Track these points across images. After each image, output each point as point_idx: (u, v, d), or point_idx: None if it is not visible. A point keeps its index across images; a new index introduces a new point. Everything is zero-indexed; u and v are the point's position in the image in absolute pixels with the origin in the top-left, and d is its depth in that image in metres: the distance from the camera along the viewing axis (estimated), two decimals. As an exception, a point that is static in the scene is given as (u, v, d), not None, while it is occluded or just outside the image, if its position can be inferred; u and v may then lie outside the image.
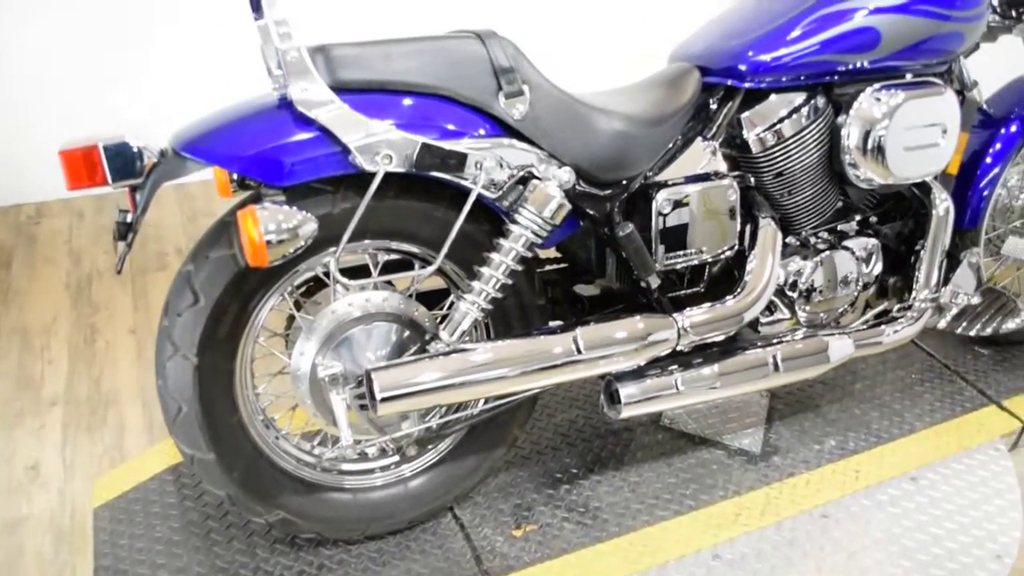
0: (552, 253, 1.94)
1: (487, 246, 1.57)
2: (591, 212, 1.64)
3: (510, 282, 1.56)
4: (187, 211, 3.40)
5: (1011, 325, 2.04)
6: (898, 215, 2.04)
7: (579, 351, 1.54)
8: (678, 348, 1.68)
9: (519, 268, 1.56)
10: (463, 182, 1.49)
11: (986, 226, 2.37)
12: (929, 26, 1.77)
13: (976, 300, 1.97)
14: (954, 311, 1.98)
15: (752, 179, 1.83)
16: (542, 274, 1.91)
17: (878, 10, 1.72)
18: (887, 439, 2.14)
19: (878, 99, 1.76)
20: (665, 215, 1.67)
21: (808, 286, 1.87)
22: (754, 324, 1.88)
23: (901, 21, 1.74)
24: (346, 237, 1.46)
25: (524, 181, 1.54)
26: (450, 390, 1.47)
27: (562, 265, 1.92)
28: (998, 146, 2.24)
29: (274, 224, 1.34)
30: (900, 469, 2.06)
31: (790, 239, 1.91)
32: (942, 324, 2.00)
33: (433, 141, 1.43)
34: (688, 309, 1.69)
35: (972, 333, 2.01)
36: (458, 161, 1.46)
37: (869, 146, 1.77)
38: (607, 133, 1.57)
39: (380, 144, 1.40)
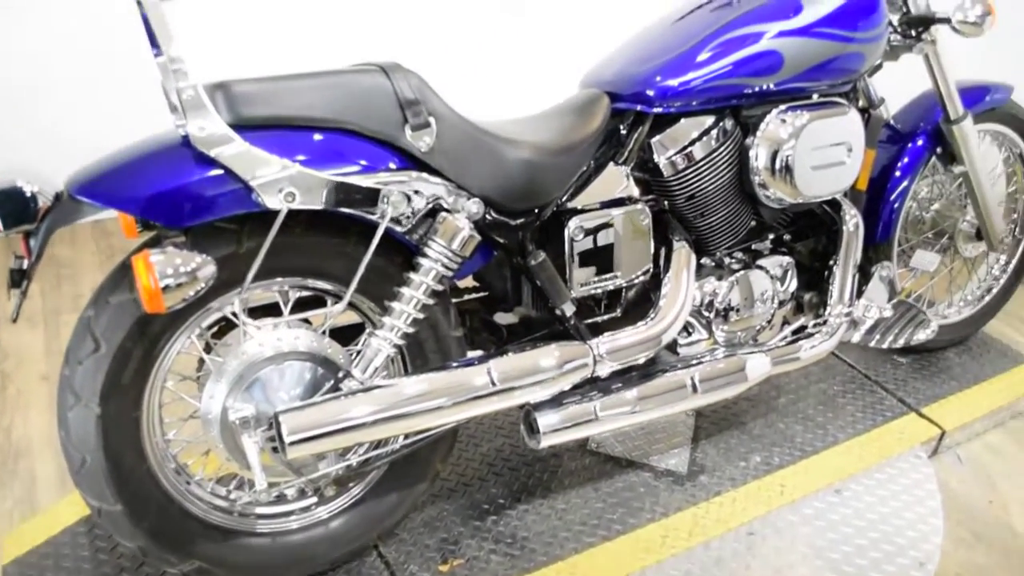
0: (472, 282, 1.92)
1: (399, 280, 1.55)
2: (503, 242, 1.63)
3: (422, 316, 1.55)
4: (104, 249, 3.31)
5: (921, 336, 2.09)
6: (811, 232, 2.08)
7: (493, 383, 1.53)
8: (596, 374, 1.68)
9: (431, 302, 1.54)
10: (370, 217, 1.47)
11: (899, 238, 2.42)
12: (831, 48, 1.80)
13: (888, 313, 2.01)
14: (868, 324, 2.01)
15: (665, 202, 1.85)
16: (461, 303, 1.90)
17: (780, 34, 1.75)
18: (811, 452, 2.17)
19: (783, 120, 1.79)
20: (578, 242, 1.67)
21: (724, 306, 1.89)
22: (673, 346, 1.89)
23: (803, 44, 1.77)
24: (250, 277, 1.42)
25: (433, 214, 1.52)
26: (361, 429, 1.45)
27: (481, 294, 1.91)
28: (906, 160, 2.30)
29: (170, 268, 1.30)
30: (824, 482, 2.08)
31: (705, 260, 1.92)
32: (856, 338, 2.04)
33: (337, 176, 1.41)
34: (604, 335, 1.69)
35: (884, 346, 2.05)
36: (364, 196, 1.44)
37: (777, 167, 1.80)
38: (515, 163, 1.57)
39: (282, 181, 1.38)
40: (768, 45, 1.75)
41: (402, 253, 1.57)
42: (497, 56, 3.63)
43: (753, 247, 1.98)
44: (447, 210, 1.52)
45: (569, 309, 1.68)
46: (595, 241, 1.69)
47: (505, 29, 3.70)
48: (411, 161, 1.50)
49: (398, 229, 1.50)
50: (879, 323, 2.05)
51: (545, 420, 1.64)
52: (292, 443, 1.40)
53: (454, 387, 1.52)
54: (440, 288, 1.54)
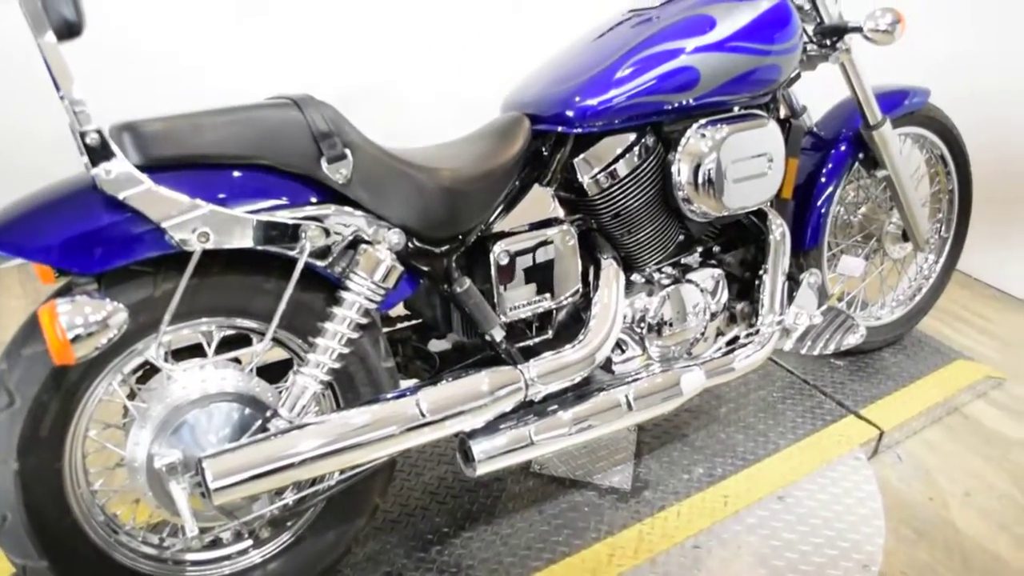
0: (405, 310, 1.91)
1: (324, 314, 1.53)
2: (428, 270, 1.61)
3: (348, 350, 1.52)
4: (31, 292, 3.22)
5: (851, 341, 2.12)
6: (739, 243, 2.10)
7: (423, 415, 1.51)
8: (529, 398, 1.67)
9: (357, 335, 1.52)
10: (289, 252, 1.44)
11: (829, 243, 2.46)
12: (746, 61, 1.82)
13: (818, 320, 2.03)
14: (799, 332, 2.03)
15: (592, 221, 1.85)
16: (393, 332, 1.88)
17: (695, 50, 1.77)
18: (753, 460, 2.18)
19: (703, 135, 1.81)
20: (504, 266, 1.67)
21: (656, 321, 1.90)
22: (608, 364, 1.89)
23: (718, 59, 1.79)
24: (166, 320, 1.39)
25: (354, 246, 1.50)
26: (289, 470, 1.42)
27: (413, 322, 1.89)
28: (830, 167, 2.34)
29: (79, 318, 1.26)
30: (767, 490, 2.09)
31: (635, 277, 1.93)
32: (788, 346, 2.06)
33: (253, 214, 1.39)
34: (534, 359, 1.68)
35: (815, 353, 2.08)
36: (281, 231, 1.42)
37: (699, 181, 1.81)
38: (435, 191, 1.56)
39: (195, 221, 1.35)
40: (684, 61, 1.76)
41: (326, 287, 1.55)
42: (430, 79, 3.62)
43: (683, 261, 1.99)
44: (368, 242, 1.50)
45: (499, 334, 1.67)
46: (521, 264, 1.69)
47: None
48: (329, 194, 1.48)
49: (319, 264, 1.48)
50: (810, 330, 2.08)
51: (479, 448, 1.62)
52: (217, 489, 1.37)
53: (383, 421, 1.50)
54: (365, 321, 1.52)
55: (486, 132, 1.77)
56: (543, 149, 1.80)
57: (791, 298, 2.07)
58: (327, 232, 1.46)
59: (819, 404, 2.41)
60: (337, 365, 1.52)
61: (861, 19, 2.00)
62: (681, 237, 1.98)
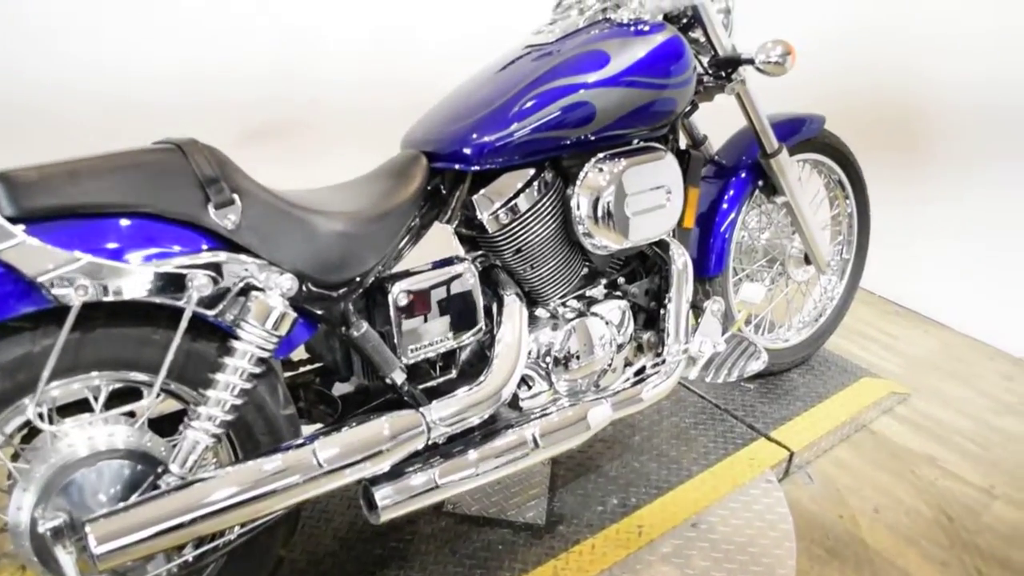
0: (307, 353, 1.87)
1: (216, 365, 1.48)
2: (325, 314, 1.58)
3: (242, 401, 1.48)
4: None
5: (754, 367, 2.15)
6: (643, 273, 2.12)
7: (321, 465, 1.47)
8: (433, 441, 1.64)
9: (250, 385, 1.48)
10: (176, 302, 1.40)
11: (735, 268, 2.50)
12: (641, 95, 1.84)
13: (722, 347, 2.06)
14: (704, 360, 2.05)
15: (494, 257, 1.84)
16: (295, 376, 1.84)
17: (590, 85, 1.78)
18: (667, 488, 2.19)
19: (601, 169, 1.82)
20: (403, 307, 1.64)
21: (562, 356, 1.89)
22: (515, 401, 1.87)
23: (613, 94, 1.80)
24: (44, 377, 1.33)
25: (245, 293, 1.46)
26: (179, 529, 1.36)
27: (315, 365, 1.85)
28: (731, 194, 2.38)
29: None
30: (681, 517, 2.10)
31: (540, 311, 1.92)
32: (694, 374, 2.08)
33: (135, 264, 1.34)
34: (437, 401, 1.66)
35: (720, 380, 2.10)
36: (166, 281, 1.37)
37: (599, 215, 1.82)
38: (328, 234, 1.53)
39: (73, 274, 1.30)
40: (580, 97, 1.77)
41: (218, 336, 1.50)
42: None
43: (587, 293, 2.00)
44: (259, 288, 1.46)
45: (399, 377, 1.65)
46: (421, 304, 1.67)
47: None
48: (217, 240, 1.44)
49: (208, 313, 1.43)
50: (714, 358, 2.10)
51: (382, 494, 1.59)
52: (102, 554, 1.31)
53: (280, 473, 1.45)
54: (259, 370, 1.48)
55: (383, 172, 1.75)
56: (442, 187, 1.79)
57: (696, 326, 2.09)
58: (216, 280, 1.42)
59: (730, 428, 2.44)
60: (230, 417, 1.47)
61: (754, 51, 2.05)
62: (585, 270, 1.99)
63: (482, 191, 1.78)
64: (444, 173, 1.79)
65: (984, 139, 3.13)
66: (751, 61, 2.04)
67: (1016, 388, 2.88)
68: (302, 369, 1.87)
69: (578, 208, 1.82)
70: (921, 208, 3.33)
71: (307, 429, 1.71)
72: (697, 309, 2.15)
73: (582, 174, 1.82)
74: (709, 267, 2.36)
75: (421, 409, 1.63)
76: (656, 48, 1.87)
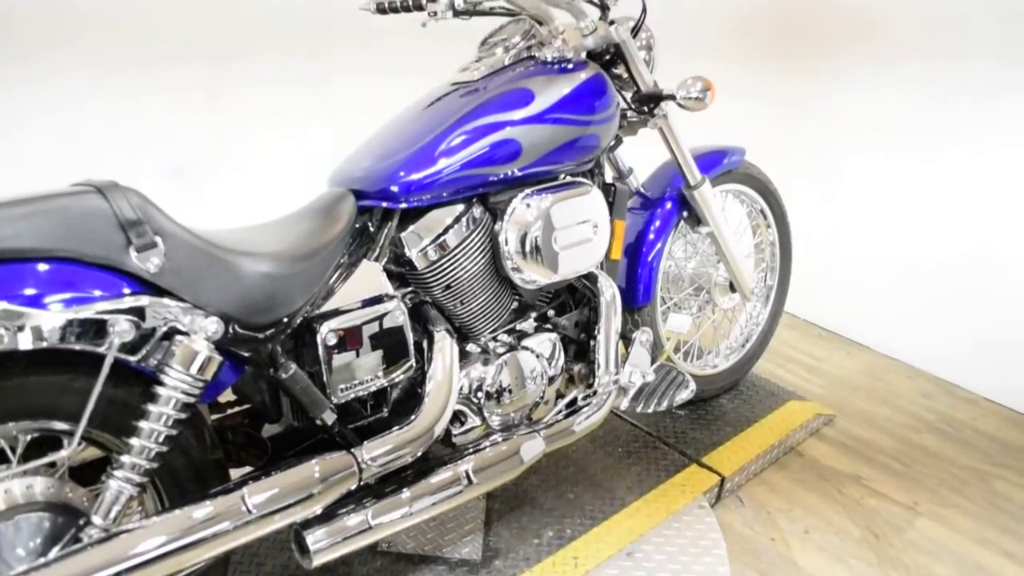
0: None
1: (140, 412, 1.45)
2: (251, 356, 1.56)
3: (166, 448, 1.45)
4: None
5: (683, 396, 2.18)
6: (573, 305, 2.14)
7: (249, 511, 1.45)
8: (364, 482, 1.63)
9: (175, 432, 1.45)
10: (97, 348, 1.36)
11: (663, 298, 2.55)
12: (566, 132, 1.88)
13: (651, 377, 2.09)
14: (634, 390, 2.08)
15: (423, 294, 1.84)
16: (224, 419, 1.80)
17: (516, 122, 1.81)
18: (601, 518, 2.20)
19: (528, 205, 1.84)
20: (332, 347, 1.63)
21: (494, 390, 1.90)
22: (447, 437, 1.87)
23: (539, 130, 1.83)
24: None
25: (169, 337, 1.44)
26: (102, 585, 1.32)
27: (244, 407, 1.82)
28: (657, 225, 2.43)
29: None
30: (616, 547, 2.11)
31: (471, 346, 1.93)
32: (624, 404, 2.10)
33: (51, 310, 1.30)
34: (368, 441, 1.65)
35: (650, 410, 2.13)
36: (85, 328, 1.34)
37: (527, 250, 1.84)
38: (253, 276, 1.51)
39: None
40: (506, 134, 1.79)
41: (142, 381, 1.47)
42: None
43: (518, 327, 2.01)
44: (183, 332, 1.44)
45: (330, 418, 1.63)
46: (350, 343, 1.66)
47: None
48: (140, 284, 1.41)
49: (131, 358, 1.40)
50: (644, 388, 2.13)
51: (314, 537, 1.57)
52: (16, 617, 1.26)
53: (207, 522, 1.42)
54: (184, 416, 1.45)
55: (310, 210, 1.74)
56: (370, 224, 1.79)
57: (626, 357, 2.12)
58: (138, 325, 1.39)
59: (663, 455, 2.47)
60: (154, 464, 1.44)
61: (675, 87, 2.10)
62: (515, 304, 2.00)
63: (411, 228, 1.78)
64: (372, 211, 1.79)
65: (897, 156, 3.26)
66: (672, 97, 2.09)
67: (935, 406, 2.98)
68: (230, 411, 1.84)
69: (506, 244, 1.84)
70: (842, 233, 3.44)
71: (236, 473, 1.69)
72: (626, 340, 2.18)
73: (509, 210, 1.84)
74: (637, 297, 2.40)
75: (352, 450, 1.62)
76: (580, 85, 1.91)
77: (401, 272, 1.84)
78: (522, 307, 2.04)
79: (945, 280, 3.14)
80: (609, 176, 2.37)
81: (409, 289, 1.86)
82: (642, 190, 2.50)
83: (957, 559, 2.22)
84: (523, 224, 1.84)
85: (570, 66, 1.94)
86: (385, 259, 1.79)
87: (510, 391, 1.93)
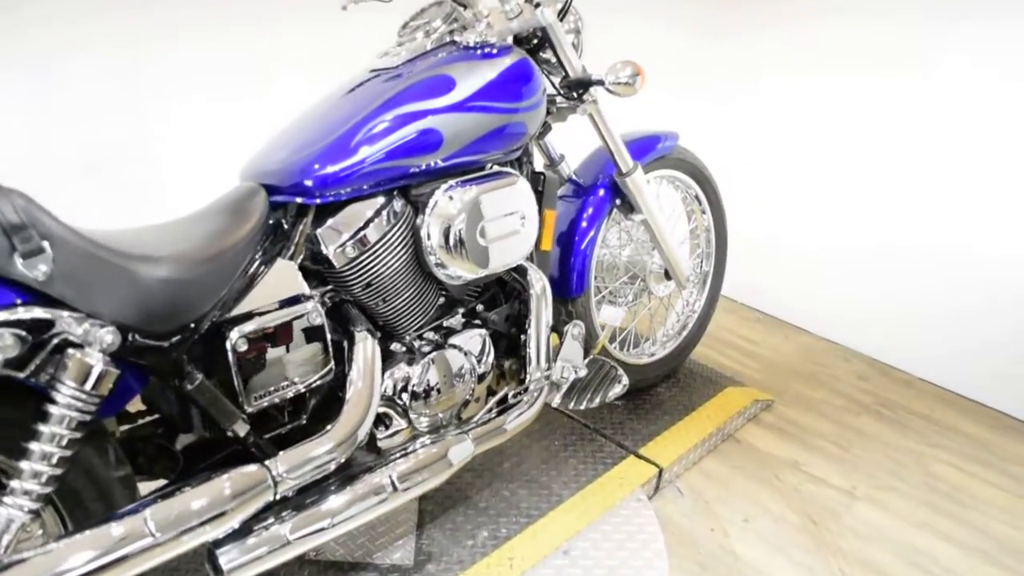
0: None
1: (32, 432, 1.34)
2: (155, 367, 1.46)
3: (63, 470, 1.34)
4: None
5: (615, 391, 2.13)
6: (503, 299, 2.07)
7: (154, 535, 1.36)
8: (282, 495, 1.54)
9: (70, 452, 1.35)
10: None
11: (598, 287, 2.49)
12: (490, 120, 1.80)
13: (584, 372, 2.03)
14: (567, 386, 2.02)
15: (343, 293, 1.76)
16: (135, 429, 1.70)
17: (436, 111, 1.73)
18: (537, 516, 2.14)
19: (451, 197, 1.76)
20: (243, 353, 1.54)
21: (420, 391, 1.83)
22: (372, 441, 1.79)
23: (460, 119, 1.75)
24: None
25: (61, 349, 1.33)
26: (-9, 622, 1.22)
27: (156, 416, 1.72)
28: (590, 211, 2.37)
29: None
30: (552, 545, 2.06)
31: (395, 346, 1.85)
32: (556, 401, 2.05)
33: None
34: (283, 452, 1.56)
35: (582, 407, 2.08)
36: None
37: (451, 244, 1.76)
38: (152, 281, 1.41)
39: None
40: (425, 124, 1.71)
41: (34, 398, 1.36)
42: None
43: (445, 324, 1.94)
44: (77, 344, 1.33)
45: (242, 429, 1.54)
46: (263, 349, 1.57)
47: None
48: (27, 293, 1.30)
49: (19, 374, 1.30)
50: (576, 383, 2.07)
51: (228, 557, 1.48)
52: None
53: (113, 545, 1.33)
54: (79, 435, 1.35)
55: (218, 207, 1.63)
56: (284, 221, 1.69)
57: (558, 351, 2.06)
58: (24, 338, 1.28)
59: (600, 448, 2.42)
60: (50, 488, 1.33)
61: (604, 72, 2.04)
62: (441, 300, 1.93)
63: (327, 223, 1.69)
64: (287, 206, 1.69)
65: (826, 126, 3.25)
66: (600, 82, 2.02)
67: (871, 388, 2.98)
68: (141, 421, 1.73)
69: (428, 238, 1.76)
70: (778, 214, 3.43)
71: (149, 486, 1.59)
72: (559, 332, 2.12)
73: (431, 202, 1.76)
74: (571, 288, 2.34)
75: (267, 462, 1.53)
76: (504, 71, 1.83)
77: (319, 270, 1.75)
78: (449, 303, 1.96)
79: (880, 260, 3.14)
80: (541, 164, 2.31)
81: (328, 288, 1.77)
82: (574, 177, 2.44)
83: (894, 543, 2.22)
84: (446, 217, 1.76)
85: (494, 51, 1.86)
86: (301, 257, 1.70)
87: (437, 391, 1.85)
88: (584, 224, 2.36)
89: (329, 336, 1.66)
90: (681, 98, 3.46)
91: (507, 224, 1.85)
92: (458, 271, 1.80)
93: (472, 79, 1.78)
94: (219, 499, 1.44)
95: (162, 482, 1.64)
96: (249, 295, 1.61)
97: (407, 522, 2.10)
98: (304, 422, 1.69)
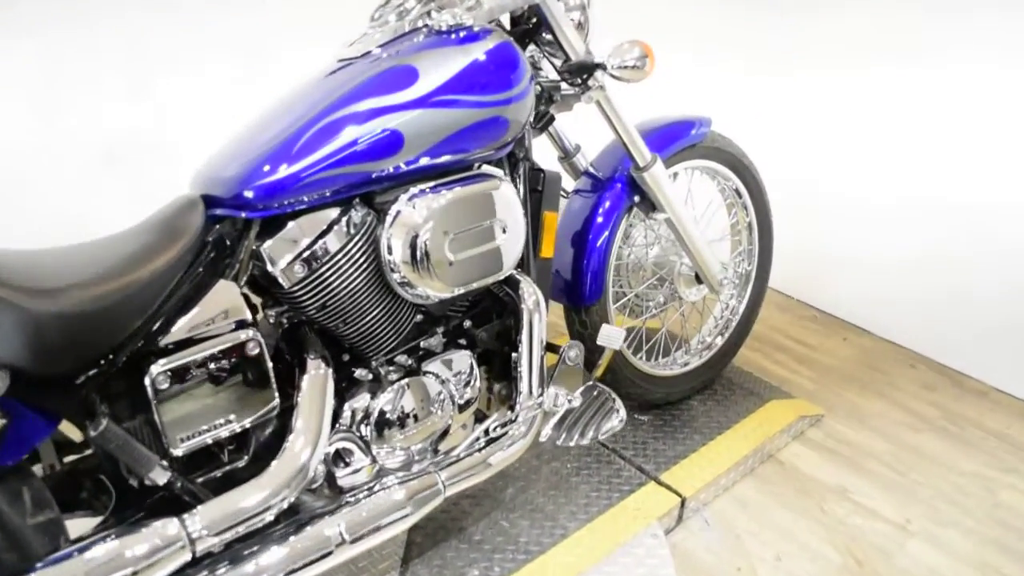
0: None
1: None
2: (62, 408, 1.29)
3: None
4: None
5: (611, 425, 1.87)
6: (496, 313, 1.84)
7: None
8: (206, 551, 1.36)
9: None
10: None
11: (623, 291, 2.25)
12: (459, 116, 1.57)
13: (578, 402, 1.79)
14: (558, 416, 1.79)
15: (295, 315, 1.56)
16: (77, 461, 1.54)
17: (393, 108, 1.51)
18: (537, 552, 1.93)
19: (414, 205, 1.54)
20: (166, 390, 1.36)
21: (383, 424, 1.62)
22: (331, 479, 1.60)
23: (422, 117, 1.53)
24: None
25: None
26: None
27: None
28: (607, 207, 2.12)
29: None
30: (550, 588, 1.85)
31: (361, 372, 1.65)
32: (546, 433, 1.80)
33: None
34: (203, 505, 1.38)
35: (572, 443, 1.83)
36: None
37: (417, 258, 1.55)
38: (45, 317, 1.23)
39: None
40: (381, 123, 1.49)
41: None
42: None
43: (423, 344, 1.72)
44: None
45: (161, 477, 1.36)
46: (193, 383, 1.39)
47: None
48: None
49: None
50: (568, 414, 1.83)
51: (138, 626, 1.31)
52: None
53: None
54: None
55: (148, 224, 1.45)
56: (226, 237, 1.50)
57: (552, 375, 1.82)
58: None
59: (617, 472, 2.18)
60: None
61: (606, 55, 1.78)
62: (419, 318, 1.71)
63: (274, 238, 1.49)
64: (233, 219, 1.50)
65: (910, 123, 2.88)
66: (603, 66, 1.77)
67: (938, 399, 2.65)
68: (88, 452, 1.58)
69: (389, 252, 1.54)
70: (838, 200, 3.07)
71: (87, 524, 1.45)
72: (552, 351, 1.87)
73: (392, 212, 1.54)
74: (584, 293, 2.10)
75: (185, 516, 1.35)
76: (478, 59, 1.60)
77: (266, 291, 1.55)
78: (429, 320, 1.74)
79: (956, 253, 2.77)
80: (555, 156, 2.09)
81: (283, 309, 1.58)
82: (591, 170, 2.19)
83: (950, 592, 1.93)
84: (409, 228, 1.54)
85: (470, 35, 1.62)
86: (245, 277, 1.51)
87: (404, 424, 1.64)
88: (600, 221, 2.11)
89: (271, 365, 1.46)
90: (744, 77, 3.14)
91: (482, 235, 1.62)
92: (424, 290, 1.58)
93: (439, 69, 1.55)
94: (129, 559, 1.27)
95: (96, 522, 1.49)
96: (180, 322, 1.42)
97: (392, 556, 1.90)
98: (244, 463, 1.51)
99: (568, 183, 2.19)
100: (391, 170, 1.53)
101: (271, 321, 1.61)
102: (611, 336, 1.85)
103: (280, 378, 1.53)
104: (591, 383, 1.88)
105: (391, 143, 1.51)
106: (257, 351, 1.44)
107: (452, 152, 1.59)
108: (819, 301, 3.16)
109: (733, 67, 3.15)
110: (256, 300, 1.58)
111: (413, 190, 1.56)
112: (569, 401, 1.77)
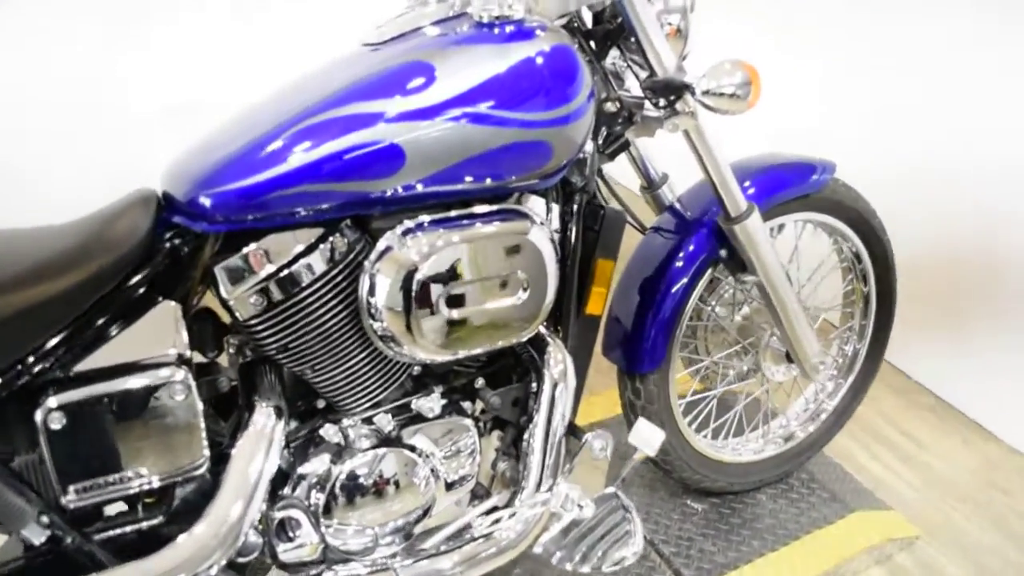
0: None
1: None
2: None
3: None
4: None
5: (620, 555, 1.45)
6: (517, 375, 1.50)
7: None
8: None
9: None
10: None
11: (697, 356, 1.87)
12: (482, 136, 1.23)
13: (589, 512, 1.42)
14: (564, 522, 1.43)
15: (258, 350, 1.28)
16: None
17: (397, 118, 1.18)
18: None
19: (408, 242, 1.22)
20: (60, 431, 1.09)
21: (338, 499, 1.32)
22: (272, 552, 1.30)
23: (431, 131, 1.19)
24: None
25: None
26: None
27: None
28: (686, 253, 1.75)
29: None
30: None
31: (328, 429, 1.34)
32: (542, 544, 1.44)
33: None
34: (100, 574, 1.11)
35: (568, 567, 1.44)
36: None
37: (405, 309, 1.23)
38: None
39: None
40: (375, 133, 1.17)
41: None
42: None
43: (415, 404, 1.40)
44: None
45: (37, 535, 1.10)
46: (94, 427, 1.12)
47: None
48: None
49: None
50: (574, 525, 1.46)
51: None
52: None
53: None
54: None
55: (89, 219, 1.18)
56: (181, 247, 1.22)
57: (570, 461, 1.47)
58: None
59: (648, 572, 1.81)
60: None
61: (699, 75, 1.40)
62: (416, 370, 1.40)
63: (233, 257, 1.20)
64: (184, 229, 1.21)
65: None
66: (690, 88, 1.39)
67: (1073, 543, 2.15)
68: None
69: (371, 294, 1.22)
70: (978, 276, 2.56)
71: None
72: (574, 436, 1.50)
73: (380, 246, 1.22)
74: (642, 359, 1.73)
75: None
76: (519, 65, 1.25)
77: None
78: (428, 374, 1.42)
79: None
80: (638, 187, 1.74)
81: (238, 341, 1.30)
82: (677, 206, 1.81)
83: None
84: (399, 268, 1.22)
85: (517, 31, 1.27)
86: (198, 299, 1.23)
87: (363, 501, 1.33)
88: (679, 266, 1.74)
89: (200, 412, 1.18)
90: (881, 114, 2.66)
91: (494, 290, 1.28)
92: (409, 349, 1.25)
93: (463, 72, 1.21)
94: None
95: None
96: (100, 346, 1.15)
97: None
98: (160, 520, 1.23)
99: (648, 218, 1.83)
100: (388, 193, 1.21)
101: (230, 352, 1.33)
102: (647, 437, 1.48)
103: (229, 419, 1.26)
104: (612, 491, 1.50)
105: (389, 160, 1.18)
106: (184, 396, 1.15)
107: (476, 178, 1.26)
108: (942, 388, 2.65)
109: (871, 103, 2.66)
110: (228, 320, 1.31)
111: (412, 221, 1.24)
112: (580, 508, 1.41)
